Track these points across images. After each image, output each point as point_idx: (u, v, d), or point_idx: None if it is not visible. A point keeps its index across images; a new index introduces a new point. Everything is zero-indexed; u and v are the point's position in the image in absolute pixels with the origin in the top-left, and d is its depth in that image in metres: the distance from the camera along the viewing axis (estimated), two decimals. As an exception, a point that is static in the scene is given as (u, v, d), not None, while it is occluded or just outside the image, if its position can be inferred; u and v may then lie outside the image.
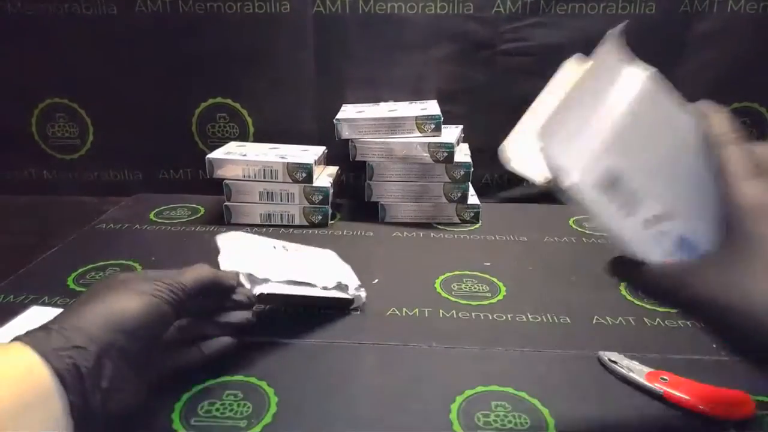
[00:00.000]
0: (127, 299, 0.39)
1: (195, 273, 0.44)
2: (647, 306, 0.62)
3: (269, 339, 0.54)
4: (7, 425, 0.30)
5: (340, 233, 0.82)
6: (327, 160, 0.92)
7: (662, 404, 0.46)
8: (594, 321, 0.59)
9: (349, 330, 0.56)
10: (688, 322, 0.59)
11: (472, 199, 0.87)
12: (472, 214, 0.86)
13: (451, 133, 0.85)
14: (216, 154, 0.83)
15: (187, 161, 0.99)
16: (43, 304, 0.61)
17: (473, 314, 0.60)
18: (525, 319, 0.59)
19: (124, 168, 1.01)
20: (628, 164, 0.29)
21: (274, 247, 0.59)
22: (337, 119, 0.82)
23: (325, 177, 0.87)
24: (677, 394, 0.46)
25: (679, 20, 0.90)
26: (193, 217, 0.88)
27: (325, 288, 0.56)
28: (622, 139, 0.29)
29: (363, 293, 0.60)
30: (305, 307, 0.58)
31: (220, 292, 0.47)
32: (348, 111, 0.86)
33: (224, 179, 0.83)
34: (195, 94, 0.97)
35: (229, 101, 0.97)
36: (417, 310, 0.60)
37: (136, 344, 0.38)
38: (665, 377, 0.47)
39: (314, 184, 0.82)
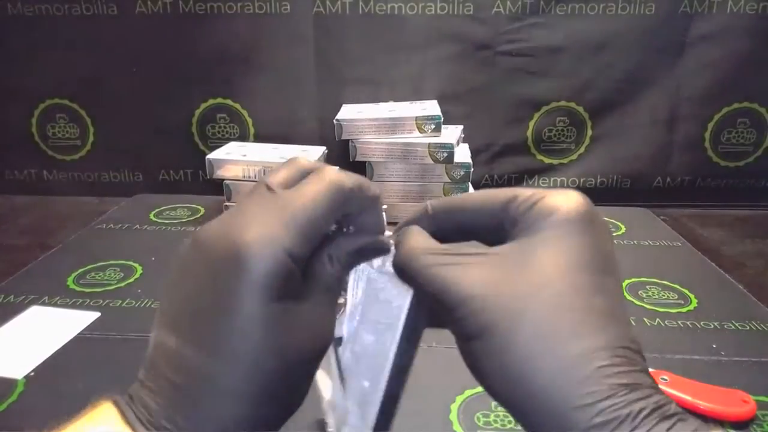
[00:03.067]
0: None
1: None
2: (647, 306, 0.62)
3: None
4: None
5: (340, 233, 0.82)
6: (327, 160, 0.92)
7: (662, 404, 0.46)
8: (594, 321, 0.59)
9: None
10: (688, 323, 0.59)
11: (472, 199, 0.87)
12: (472, 215, 0.86)
13: (451, 133, 0.85)
14: (216, 154, 0.83)
15: (187, 162, 0.99)
16: (43, 304, 0.61)
17: (473, 314, 0.60)
18: (525, 319, 0.59)
19: (124, 168, 1.01)
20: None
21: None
22: (337, 119, 0.82)
23: (325, 177, 0.87)
24: (677, 394, 0.46)
25: (679, 20, 0.90)
26: (193, 218, 0.88)
27: None
28: None
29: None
30: None
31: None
32: (348, 111, 0.86)
33: (224, 179, 0.83)
34: (195, 95, 0.97)
35: (229, 102, 0.97)
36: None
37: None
38: (665, 377, 0.47)
39: (314, 185, 0.82)
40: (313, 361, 0.26)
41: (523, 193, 0.26)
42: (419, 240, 0.27)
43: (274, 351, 0.23)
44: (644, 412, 0.20)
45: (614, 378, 0.21)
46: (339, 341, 0.31)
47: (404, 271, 0.27)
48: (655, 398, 0.21)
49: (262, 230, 0.23)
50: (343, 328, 0.31)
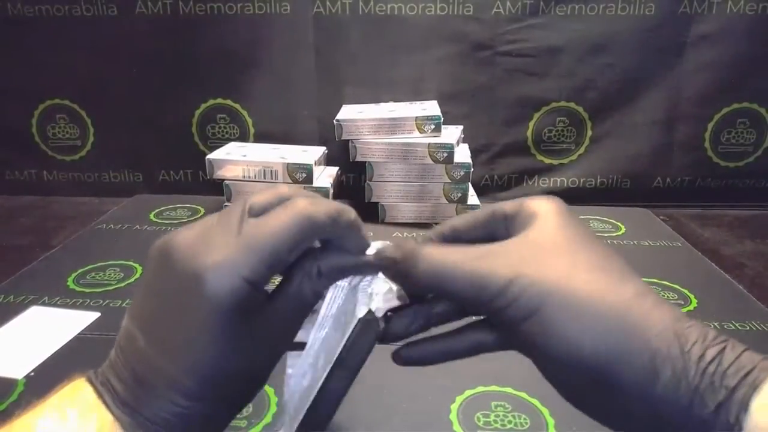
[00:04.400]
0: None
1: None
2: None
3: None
4: None
5: (340, 234, 0.82)
6: (327, 160, 0.92)
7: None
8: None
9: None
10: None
11: (472, 199, 0.87)
12: (472, 215, 0.86)
13: (451, 133, 0.85)
14: (216, 154, 0.83)
15: (187, 162, 0.99)
16: (43, 304, 0.61)
17: (473, 314, 0.60)
18: (525, 320, 0.59)
19: (124, 169, 1.01)
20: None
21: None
22: (337, 119, 0.82)
23: (325, 177, 0.87)
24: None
25: (678, 21, 0.90)
26: (193, 218, 0.88)
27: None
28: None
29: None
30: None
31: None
32: (348, 111, 0.86)
33: (224, 180, 0.83)
34: (195, 95, 0.97)
35: (229, 102, 0.97)
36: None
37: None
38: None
39: (314, 185, 0.82)
40: (267, 368, 0.28)
41: (505, 202, 0.29)
42: (437, 247, 0.28)
43: (229, 362, 0.25)
44: (711, 335, 0.23)
45: (675, 310, 0.24)
46: (302, 346, 0.31)
47: (434, 278, 0.27)
48: (708, 328, 0.23)
49: (222, 256, 0.24)
50: (309, 334, 0.31)
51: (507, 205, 0.29)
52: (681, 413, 0.22)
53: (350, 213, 0.28)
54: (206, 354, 0.24)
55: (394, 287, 0.30)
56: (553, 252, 0.25)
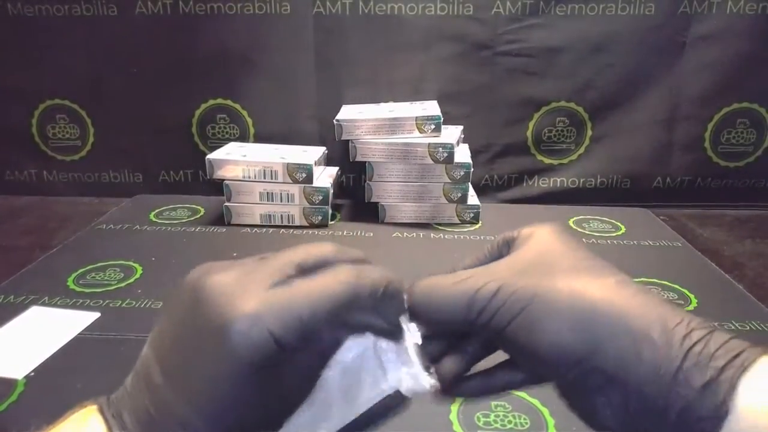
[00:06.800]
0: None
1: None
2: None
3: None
4: None
5: (340, 234, 0.82)
6: (327, 160, 0.92)
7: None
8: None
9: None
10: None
11: (472, 199, 0.87)
12: (471, 215, 0.86)
13: (451, 133, 0.85)
14: (216, 154, 0.83)
15: (187, 162, 0.99)
16: (43, 304, 0.61)
17: (473, 314, 0.60)
18: (525, 320, 0.59)
19: (124, 169, 1.01)
20: None
21: None
22: (337, 120, 0.82)
23: (325, 177, 0.87)
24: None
25: (679, 20, 0.90)
26: (193, 218, 0.88)
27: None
28: None
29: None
30: None
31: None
32: (348, 111, 0.86)
33: (224, 180, 0.83)
34: (195, 95, 0.97)
35: (229, 102, 0.97)
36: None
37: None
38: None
39: (314, 185, 0.82)
40: (286, 414, 0.27)
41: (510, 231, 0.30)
42: (434, 277, 0.29)
43: (244, 411, 0.24)
44: (697, 320, 0.23)
45: (658, 297, 0.24)
46: None
47: (426, 306, 0.28)
48: (695, 316, 0.24)
49: (254, 309, 0.23)
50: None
51: (509, 233, 0.30)
52: (663, 395, 0.22)
53: (397, 285, 0.26)
54: (223, 402, 0.23)
55: (419, 363, 0.29)
56: (538, 263, 0.27)
